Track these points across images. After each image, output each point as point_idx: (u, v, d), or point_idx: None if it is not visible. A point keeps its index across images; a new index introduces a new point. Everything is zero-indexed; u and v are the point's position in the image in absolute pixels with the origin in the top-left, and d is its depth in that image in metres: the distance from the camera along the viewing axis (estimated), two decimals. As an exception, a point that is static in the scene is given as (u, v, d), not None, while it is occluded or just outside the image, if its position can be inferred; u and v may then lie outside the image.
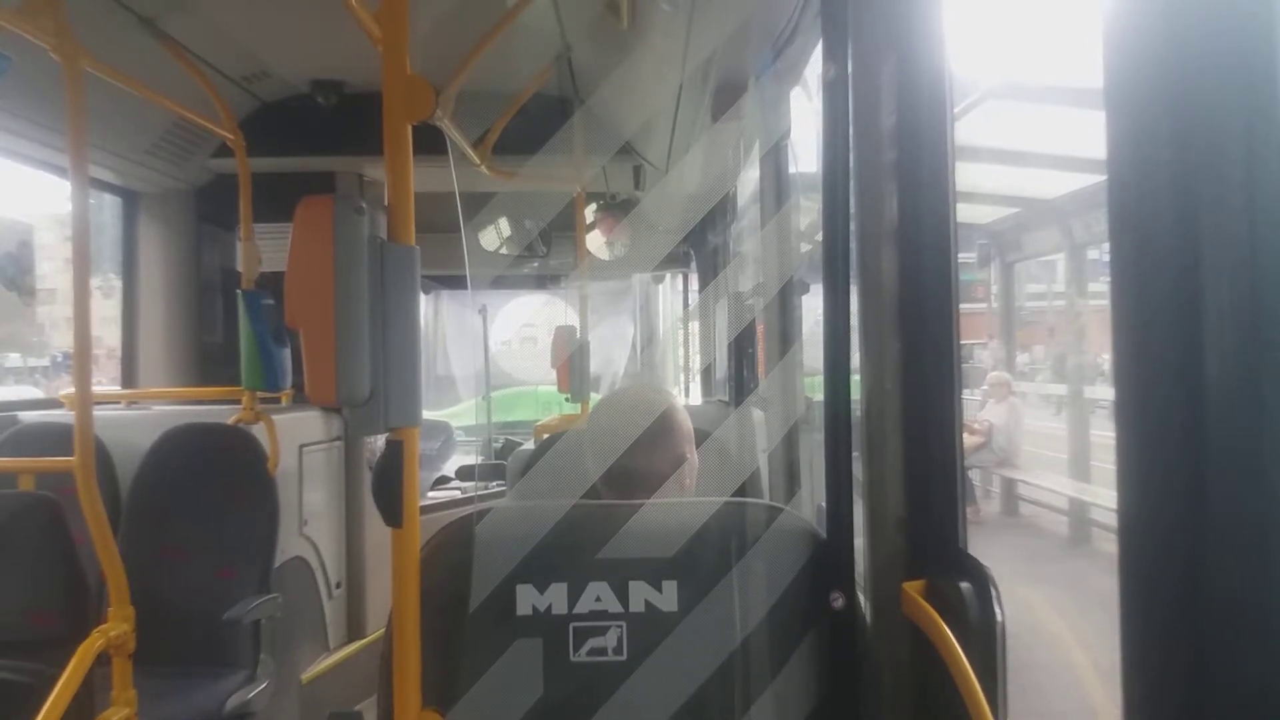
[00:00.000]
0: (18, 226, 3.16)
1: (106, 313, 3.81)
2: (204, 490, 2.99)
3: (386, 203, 1.23)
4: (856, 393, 1.29)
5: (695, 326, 6.23)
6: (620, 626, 1.31)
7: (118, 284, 3.87)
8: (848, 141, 1.26)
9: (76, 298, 2.02)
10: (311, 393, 1.16)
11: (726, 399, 4.01)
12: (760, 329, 3.12)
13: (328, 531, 3.68)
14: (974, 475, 9.14)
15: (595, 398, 3.71)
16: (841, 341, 1.29)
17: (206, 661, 2.82)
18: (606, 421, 1.66)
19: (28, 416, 3.15)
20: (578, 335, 3.65)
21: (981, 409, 9.67)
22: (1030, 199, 8.67)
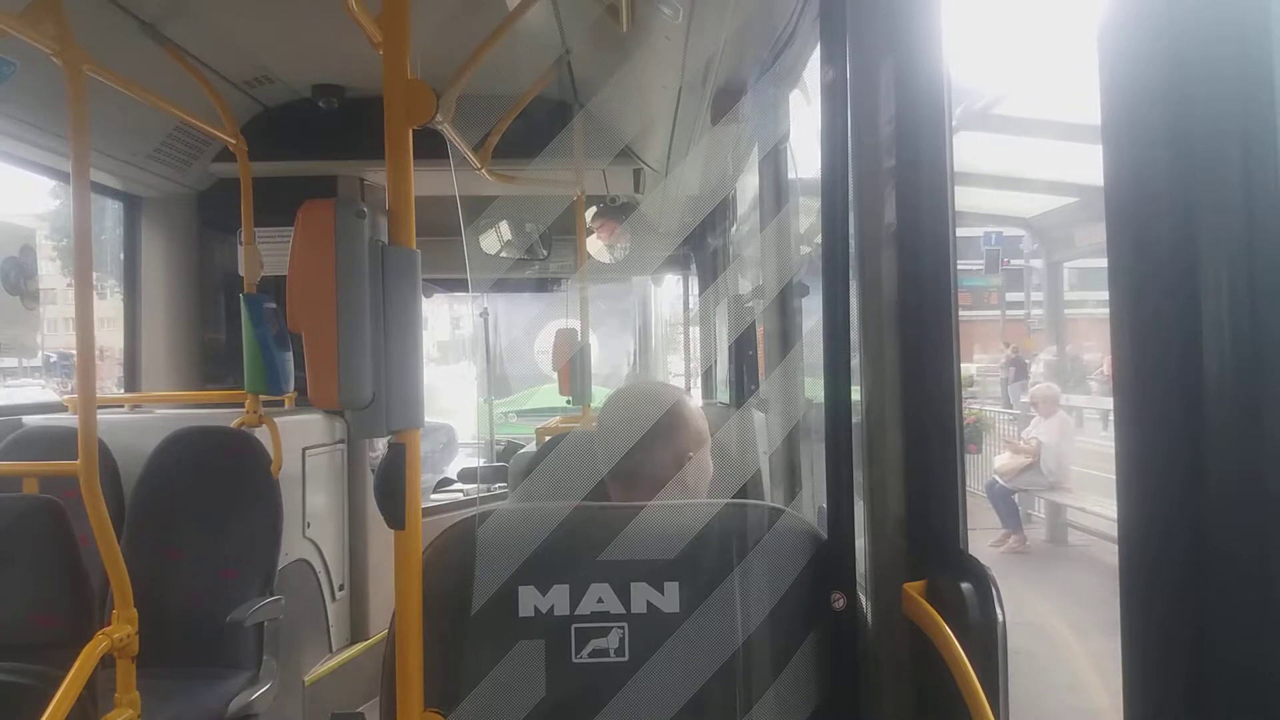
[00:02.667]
0: (20, 231, 3.17)
1: (102, 313, 3.80)
2: (207, 493, 2.99)
3: (388, 207, 1.23)
4: (857, 394, 1.29)
5: (695, 329, 6.24)
6: (622, 627, 1.32)
7: (111, 284, 3.87)
8: (846, 144, 1.27)
9: (78, 301, 2.03)
10: (314, 396, 1.17)
11: (727, 401, 4.02)
12: (760, 331, 3.13)
13: (330, 534, 3.68)
14: (1017, 499, 8.48)
15: (602, 391, 3.73)
16: (841, 343, 1.29)
17: (210, 663, 2.83)
18: (616, 415, 1.68)
19: (31, 420, 3.16)
20: (579, 338, 3.65)
21: (1028, 426, 8.84)
22: (1090, 186, 7.55)
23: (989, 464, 9.90)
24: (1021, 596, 5.71)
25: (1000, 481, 8.44)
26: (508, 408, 8.99)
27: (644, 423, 1.61)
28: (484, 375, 6.37)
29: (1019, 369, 14.91)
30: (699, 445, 1.67)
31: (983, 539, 8.13)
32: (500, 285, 5.46)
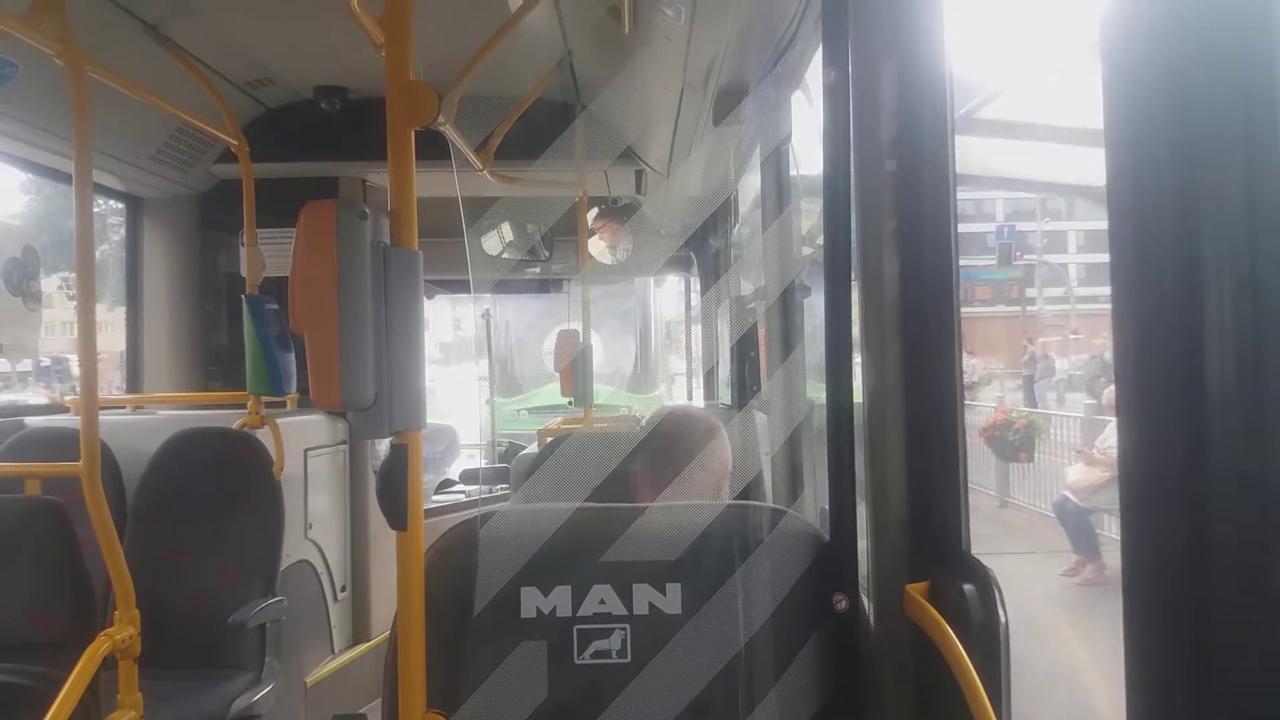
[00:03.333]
0: (23, 232, 3.18)
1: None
2: (209, 494, 3.00)
3: (390, 208, 1.23)
4: (859, 395, 1.29)
5: (697, 330, 6.25)
6: (624, 629, 1.32)
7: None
8: (848, 145, 1.27)
9: (80, 302, 2.03)
10: (316, 397, 1.17)
11: (729, 402, 4.02)
12: (762, 332, 3.13)
13: (333, 535, 3.69)
14: (1094, 520, 7.39)
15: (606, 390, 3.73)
16: (843, 344, 1.29)
17: (212, 664, 2.83)
18: (669, 428, 1.78)
19: (34, 421, 3.16)
20: (580, 340, 3.66)
21: (1105, 431, 7.73)
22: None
23: (1045, 475, 9.14)
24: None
25: (1073, 499, 7.37)
26: (519, 405, 9.37)
27: (693, 439, 1.73)
28: (488, 376, 6.39)
29: (1046, 365, 14.48)
30: (725, 472, 1.77)
31: (1050, 566, 7.28)
32: (505, 287, 5.47)
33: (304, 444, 3.47)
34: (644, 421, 1.90)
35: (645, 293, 7.97)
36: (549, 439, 3.04)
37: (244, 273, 3.33)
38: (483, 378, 6.88)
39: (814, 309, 2.60)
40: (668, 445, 1.71)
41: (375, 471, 3.88)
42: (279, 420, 3.26)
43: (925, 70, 1.21)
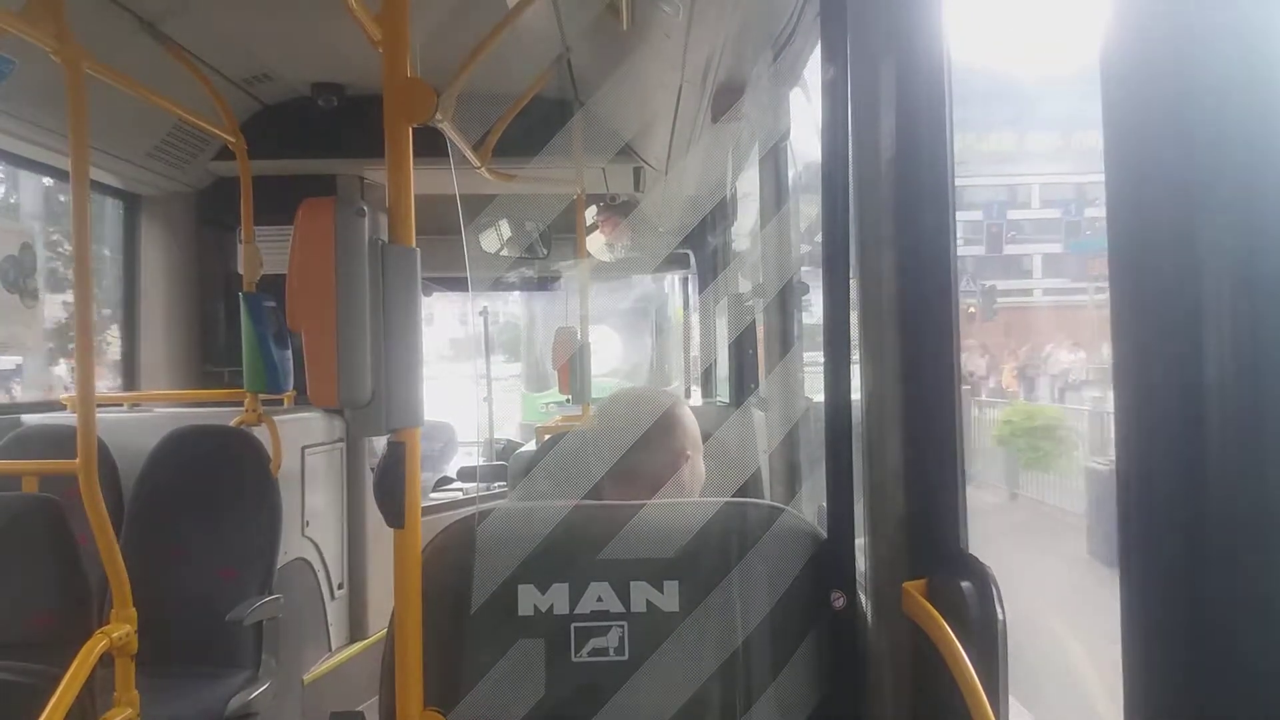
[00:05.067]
0: (19, 229, 3.17)
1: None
2: (206, 492, 2.99)
3: (387, 205, 1.23)
4: (857, 392, 1.29)
5: (697, 329, 6.25)
6: (622, 626, 1.32)
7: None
8: (847, 142, 1.26)
9: (78, 301, 2.03)
10: (313, 394, 1.16)
11: (727, 400, 4.02)
12: (760, 330, 3.13)
13: (330, 532, 3.68)
14: None
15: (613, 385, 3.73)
16: (841, 341, 1.29)
17: (209, 662, 2.83)
18: (613, 416, 1.68)
19: (30, 418, 3.15)
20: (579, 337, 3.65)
21: None
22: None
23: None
24: None
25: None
26: (546, 400, 9.56)
27: (641, 425, 1.62)
28: (487, 371, 6.40)
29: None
30: (694, 449, 1.68)
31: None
32: (509, 284, 5.47)
33: (301, 441, 3.47)
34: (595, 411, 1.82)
35: (660, 289, 8.00)
36: (546, 436, 3.04)
37: (241, 270, 3.33)
38: (481, 376, 6.86)
39: (812, 306, 2.60)
40: (619, 433, 1.62)
41: (372, 469, 3.88)
42: (276, 418, 3.25)
43: (924, 66, 1.21)
